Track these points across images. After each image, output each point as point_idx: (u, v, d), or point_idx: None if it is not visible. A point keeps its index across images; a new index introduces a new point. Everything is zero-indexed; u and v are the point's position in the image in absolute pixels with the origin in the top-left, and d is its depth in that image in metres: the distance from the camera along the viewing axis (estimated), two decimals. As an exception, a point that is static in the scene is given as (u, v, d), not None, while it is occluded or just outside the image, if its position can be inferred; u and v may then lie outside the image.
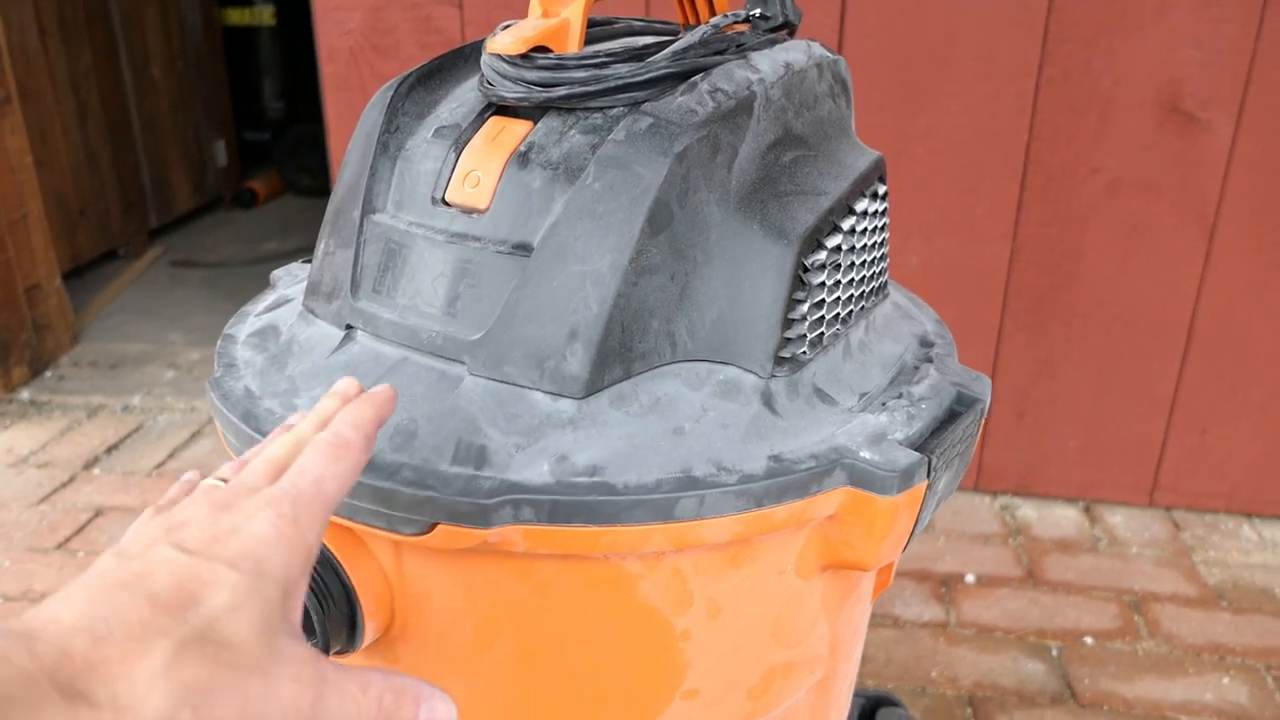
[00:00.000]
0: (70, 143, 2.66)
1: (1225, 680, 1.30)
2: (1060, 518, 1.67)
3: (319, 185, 3.63)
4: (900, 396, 0.67)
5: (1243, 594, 1.48)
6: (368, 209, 0.68)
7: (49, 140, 2.54)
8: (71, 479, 1.83)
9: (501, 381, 0.60)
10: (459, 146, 0.66)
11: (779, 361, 0.63)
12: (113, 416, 2.08)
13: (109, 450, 1.94)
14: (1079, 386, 1.65)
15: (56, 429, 2.02)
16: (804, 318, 0.63)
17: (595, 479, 0.56)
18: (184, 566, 0.39)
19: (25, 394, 2.17)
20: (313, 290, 0.71)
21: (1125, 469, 1.69)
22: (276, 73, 3.89)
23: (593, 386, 0.59)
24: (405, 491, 0.55)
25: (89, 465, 1.88)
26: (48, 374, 2.27)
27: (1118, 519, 1.67)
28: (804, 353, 0.64)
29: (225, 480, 0.47)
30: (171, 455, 1.91)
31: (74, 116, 2.68)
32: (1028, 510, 1.69)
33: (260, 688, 0.38)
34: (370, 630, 0.60)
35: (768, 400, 0.62)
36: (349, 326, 0.67)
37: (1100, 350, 1.62)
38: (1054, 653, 1.35)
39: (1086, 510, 1.70)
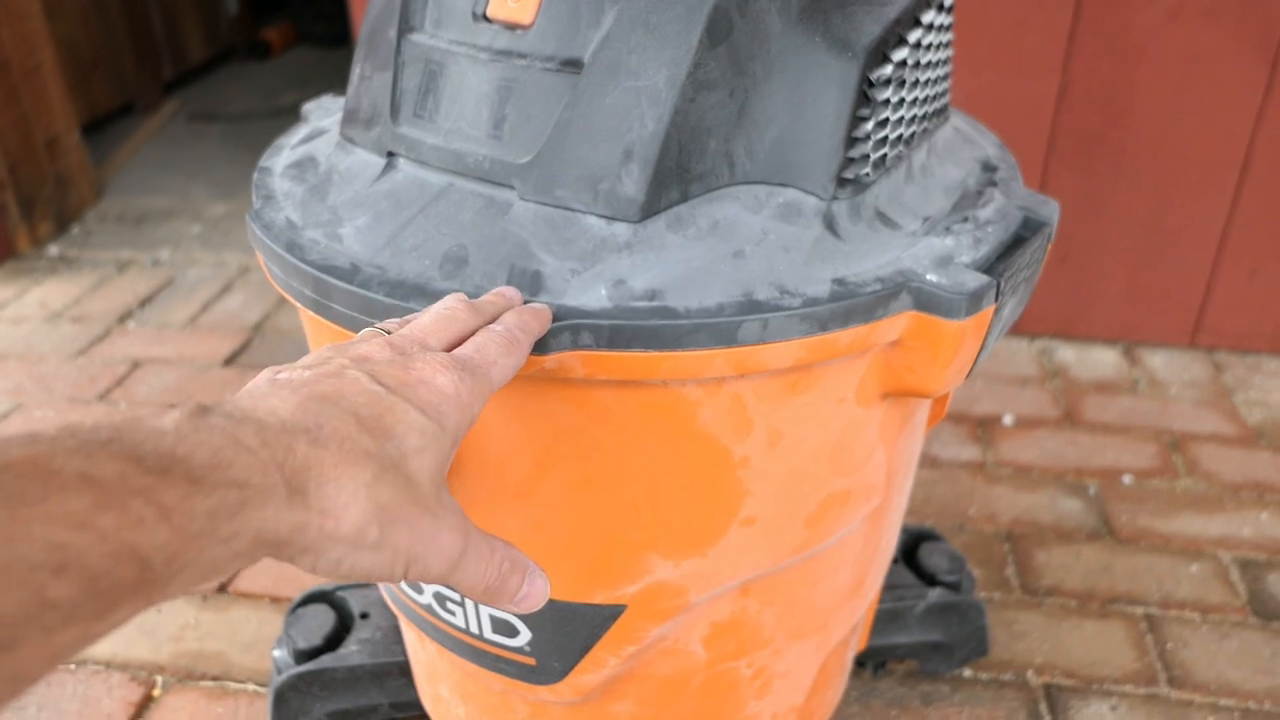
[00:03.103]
0: (77, -11, 2.57)
1: (1263, 516, 1.31)
2: (1099, 360, 1.66)
3: (335, 34, 3.52)
4: (965, 220, 0.64)
5: (1283, 434, 1.47)
6: (404, 28, 0.65)
7: (56, -14, 2.46)
8: (107, 332, 1.84)
9: (553, 206, 0.58)
10: (499, -43, 0.62)
11: (841, 183, 0.60)
12: (143, 271, 2.07)
13: (142, 304, 1.94)
14: (1125, 227, 1.60)
15: (88, 283, 2.02)
16: (868, 136, 0.60)
17: (655, 303, 0.54)
18: (381, 399, 0.41)
19: (54, 249, 2.16)
20: (350, 118, 0.68)
21: (1168, 310, 1.66)
22: (284, -87, 3.73)
23: (649, 209, 0.57)
24: (460, 318, 0.54)
25: (123, 319, 1.89)
26: (74, 229, 2.26)
27: (1158, 361, 1.65)
28: (866, 174, 0.61)
29: (388, 331, 0.48)
30: (204, 308, 1.91)
31: (78, -39, 2.58)
32: (1066, 353, 1.68)
33: (428, 527, 0.40)
34: (427, 460, 0.60)
35: (830, 223, 0.59)
36: (390, 153, 0.64)
37: (1150, 189, 1.57)
38: (1092, 491, 1.35)
39: (1126, 352, 1.68)
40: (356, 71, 0.67)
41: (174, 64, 3.09)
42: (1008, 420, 1.50)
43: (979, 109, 1.53)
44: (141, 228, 2.26)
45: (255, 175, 0.71)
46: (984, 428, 1.48)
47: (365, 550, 0.38)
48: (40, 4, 2.15)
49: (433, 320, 0.48)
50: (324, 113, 0.81)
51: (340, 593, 1.01)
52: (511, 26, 0.60)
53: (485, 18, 0.62)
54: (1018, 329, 1.71)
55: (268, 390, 0.40)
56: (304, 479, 0.36)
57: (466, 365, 0.45)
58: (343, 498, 0.37)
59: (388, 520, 0.38)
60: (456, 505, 0.43)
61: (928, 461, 1.41)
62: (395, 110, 0.64)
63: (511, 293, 0.54)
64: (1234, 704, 1.05)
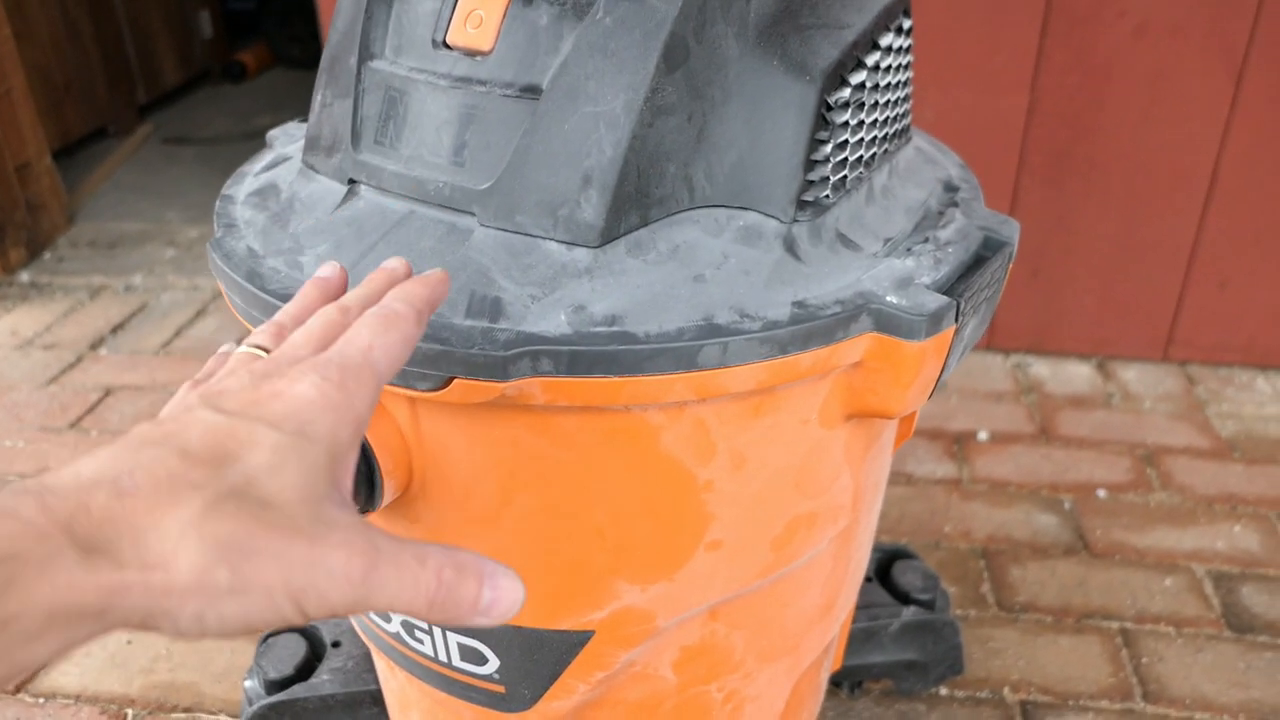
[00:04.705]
0: (49, 14, 2.56)
1: (1236, 529, 1.31)
2: (1074, 374, 1.67)
3: (310, 55, 3.52)
4: (926, 241, 0.64)
5: (1256, 445, 1.48)
6: (365, 55, 0.64)
7: (26, 10, 2.45)
8: (79, 359, 1.82)
9: (513, 232, 0.58)
10: (458, -16, 0.62)
11: (801, 205, 0.60)
12: (115, 296, 2.06)
13: (114, 330, 1.92)
14: (1097, 242, 1.61)
15: (60, 310, 2.00)
16: (827, 159, 0.60)
17: (615, 328, 0.54)
18: (220, 425, 0.37)
19: (25, 276, 2.14)
20: (312, 145, 0.68)
21: (1141, 324, 1.67)
22: (258, -63, 3.73)
23: (608, 234, 0.57)
24: (419, 346, 0.53)
25: (95, 345, 1.87)
26: (46, 255, 2.25)
27: (1131, 374, 1.66)
28: (826, 196, 0.61)
29: (264, 349, 0.44)
30: (177, 334, 1.90)
31: (50, -14, 2.57)
32: (1041, 368, 1.68)
33: (305, 552, 0.35)
34: (389, 489, 0.60)
35: (790, 246, 0.59)
36: (352, 181, 0.64)
37: (1120, 204, 1.58)
38: (1066, 506, 1.36)
39: (1100, 367, 1.69)
40: (318, 99, 0.67)
41: (148, 88, 3.09)
42: (983, 436, 1.50)
43: (949, 127, 1.55)
44: (114, 253, 2.25)
45: (217, 203, 0.71)
46: (959, 444, 1.48)
47: (225, 597, 0.33)
48: (10, 29, 2.14)
49: (306, 334, 0.44)
50: (289, 139, 0.80)
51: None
52: (471, 53, 0.60)
53: (445, 44, 0.62)
54: (992, 345, 1.72)
55: (96, 451, 0.35)
56: (104, 534, 0.32)
57: (332, 362, 0.40)
58: (167, 543, 0.32)
59: (239, 556, 0.33)
60: (355, 519, 0.38)
61: (902, 479, 1.41)
62: (356, 137, 0.64)
63: (395, 263, 0.50)
64: (1209, 718, 1.05)
